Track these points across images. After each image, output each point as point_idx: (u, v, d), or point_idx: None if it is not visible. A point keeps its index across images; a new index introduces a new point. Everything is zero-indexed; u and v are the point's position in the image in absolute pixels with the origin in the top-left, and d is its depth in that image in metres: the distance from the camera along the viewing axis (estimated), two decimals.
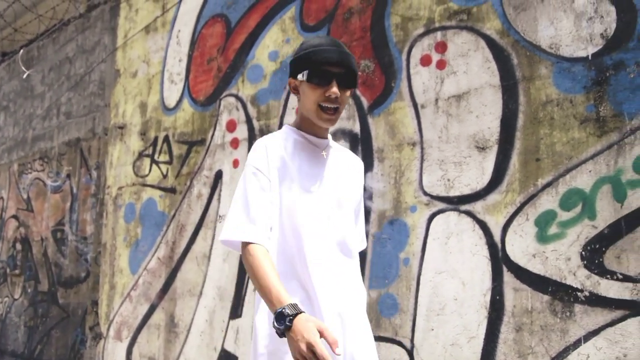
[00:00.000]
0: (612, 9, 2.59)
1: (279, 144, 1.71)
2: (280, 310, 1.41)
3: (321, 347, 1.33)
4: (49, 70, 6.56)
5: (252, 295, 3.71)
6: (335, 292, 1.66)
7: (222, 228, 1.67)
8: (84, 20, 6.01)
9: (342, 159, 1.85)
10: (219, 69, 4.22)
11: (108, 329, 4.76)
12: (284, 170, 1.67)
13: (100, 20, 5.76)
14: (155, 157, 4.60)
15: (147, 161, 4.69)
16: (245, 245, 1.58)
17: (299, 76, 1.69)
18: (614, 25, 2.58)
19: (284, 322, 1.39)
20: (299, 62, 1.70)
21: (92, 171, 5.57)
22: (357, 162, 1.93)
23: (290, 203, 1.66)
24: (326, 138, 1.81)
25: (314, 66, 1.65)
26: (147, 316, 4.40)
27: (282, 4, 3.87)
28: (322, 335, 1.37)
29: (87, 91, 5.83)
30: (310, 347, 1.34)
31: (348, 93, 1.70)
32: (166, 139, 4.52)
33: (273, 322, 1.42)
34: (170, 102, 4.57)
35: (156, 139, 4.63)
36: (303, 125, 1.77)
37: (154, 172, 4.59)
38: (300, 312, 1.41)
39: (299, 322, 1.38)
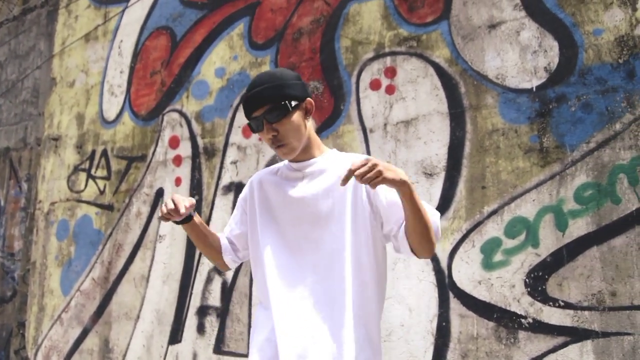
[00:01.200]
0: (555, 44, 2.68)
1: (264, 178, 1.85)
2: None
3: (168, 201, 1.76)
4: None
5: (192, 320, 3.57)
6: (296, 335, 1.64)
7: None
8: (17, 24, 5.69)
9: (328, 173, 1.74)
10: (163, 83, 4.08)
11: (35, 354, 4.46)
12: (260, 205, 1.81)
13: (36, 24, 5.47)
14: (92, 171, 4.38)
15: (83, 176, 4.45)
16: None
17: None
18: (556, 60, 2.67)
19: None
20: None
21: (22, 183, 5.25)
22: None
23: (260, 236, 1.78)
24: (309, 159, 1.76)
25: (248, 119, 1.75)
26: (79, 341, 4.16)
27: (230, 21, 3.79)
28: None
29: (19, 98, 5.51)
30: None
31: (286, 120, 1.68)
32: (104, 153, 4.32)
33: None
34: (110, 114, 4.37)
35: (93, 152, 4.41)
36: None
37: (90, 188, 4.37)
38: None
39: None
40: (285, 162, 1.82)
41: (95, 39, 4.62)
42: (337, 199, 1.70)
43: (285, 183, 1.78)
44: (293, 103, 1.68)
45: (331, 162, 1.76)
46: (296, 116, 1.69)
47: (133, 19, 4.34)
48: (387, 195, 1.67)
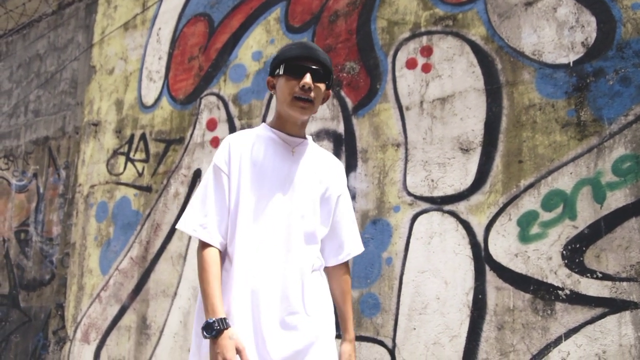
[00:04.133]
0: (593, 19, 2.70)
1: (244, 140, 1.81)
2: (210, 321, 1.61)
3: None
4: (17, 67, 6.38)
5: None
6: (270, 295, 1.72)
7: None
8: (56, 17, 5.88)
9: (316, 158, 1.88)
10: (200, 67, 4.19)
11: (75, 331, 4.60)
12: (244, 167, 1.77)
13: (75, 17, 5.65)
14: (131, 155, 4.51)
15: (121, 159, 4.59)
16: (201, 243, 1.74)
17: (276, 72, 1.80)
18: (594, 35, 2.69)
19: (210, 332, 1.60)
20: (276, 60, 1.82)
21: (60, 171, 5.42)
22: (335, 163, 1.95)
23: (242, 199, 1.75)
24: (300, 137, 1.86)
25: (289, 61, 1.77)
26: (118, 318, 4.28)
27: (267, 5, 3.88)
28: (240, 354, 1.60)
29: (57, 89, 5.69)
30: None
31: (322, 88, 1.78)
32: (143, 137, 4.44)
33: (202, 328, 1.62)
34: (148, 100, 4.50)
35: (132, 136, 4.54)
36: (277, 122, 1.85)
37: (129, 171, 4.50)
38: (227, 328, 1.61)
39: (222, 338, 1.59)
40: (265, 128, 1.84)
41: (134, 27, 4.76)
42: (320, 187, 1.84)
43: (272, 151, 1.80)
44: (328, 83, 1.83)
45: (316, 150, 1.91)
46: (324, 92, 1.82)
47: (171, 6, 4.47)
48: (342, 210, 1.91)
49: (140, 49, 4.64)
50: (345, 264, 1.95)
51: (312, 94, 1.75)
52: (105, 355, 4.28)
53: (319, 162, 1.88)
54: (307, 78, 1.73)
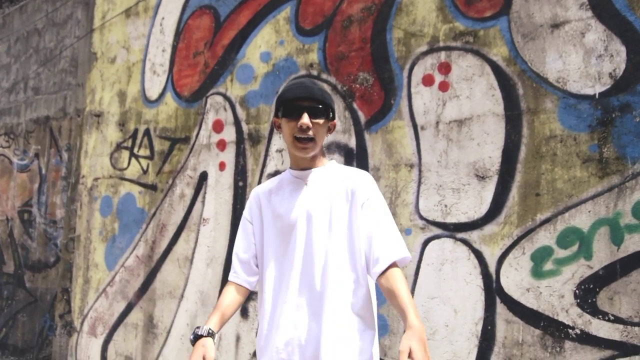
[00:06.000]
0: (623, 48, 2.56)
1: (266, 188, 1.96)
2: (196, 327, 1.80)
3: None
4: (15, 41, 6.19)
5: None
6: (285, 336, 1.78)
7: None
8: None
9: (330, 182, 1.86)
10: (206, 64, 4.04)
11: (82, 324, 4.65)
12: (264, 213, 1.92)
13: None
14: (135, 150, 4.42)
15: (125, 154, 4.50)
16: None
17: (279, 113, 1.86)
18: (623, 66, 2.56)
19: (192, 337, 1.77)
20: (277, 101, 1.86)
21: (62, 153, 5.34)
22: (348, 177, 1.85)
23: (264, 241, 1.91)
24: (311, 167, 1.89)
25: (287, 102, 1.81)
26: (124, 314, 4.31)
27: (276, 3, 3.70)
28: None
29: (57, 67, 5.54)
30: None
31: (322, 123, 1.81)
32: (147, 133, 4.34)
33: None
34: (152, 94, 4.37)
35: (136, 131, 4.43)
36: (292, 161, 1.93)
37: (133, 166, 4.42)
38: (204, 336, 1.75)
39: (196, 345, 1.74)
40: (287, 171, 1.95)
41: (136, 14, 4.56)
42: (335, 207, 1.82)
43: (288, 190, 1.89)
44: (331, 115, 1.87)
45: (332, 172, 1.89)
46: (326, 125, 1.86)
47: None
48: (366, 223, 1.79)
49: (143, 38, 4.47)
50: (389, 273, 1.72)
51: (311, 132, 1.79)
52: (113, 350, 4.34)
53: (332, 184, 1.86)
54: (304, 118, 1.77)
